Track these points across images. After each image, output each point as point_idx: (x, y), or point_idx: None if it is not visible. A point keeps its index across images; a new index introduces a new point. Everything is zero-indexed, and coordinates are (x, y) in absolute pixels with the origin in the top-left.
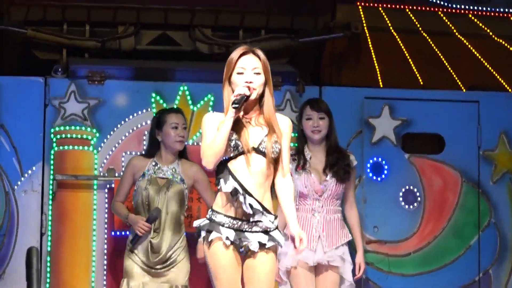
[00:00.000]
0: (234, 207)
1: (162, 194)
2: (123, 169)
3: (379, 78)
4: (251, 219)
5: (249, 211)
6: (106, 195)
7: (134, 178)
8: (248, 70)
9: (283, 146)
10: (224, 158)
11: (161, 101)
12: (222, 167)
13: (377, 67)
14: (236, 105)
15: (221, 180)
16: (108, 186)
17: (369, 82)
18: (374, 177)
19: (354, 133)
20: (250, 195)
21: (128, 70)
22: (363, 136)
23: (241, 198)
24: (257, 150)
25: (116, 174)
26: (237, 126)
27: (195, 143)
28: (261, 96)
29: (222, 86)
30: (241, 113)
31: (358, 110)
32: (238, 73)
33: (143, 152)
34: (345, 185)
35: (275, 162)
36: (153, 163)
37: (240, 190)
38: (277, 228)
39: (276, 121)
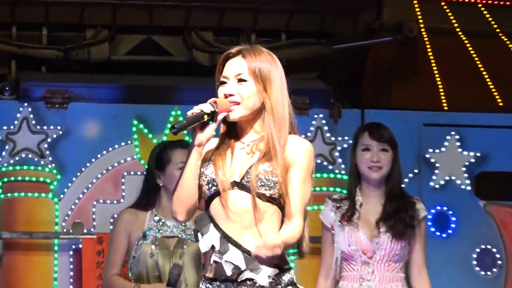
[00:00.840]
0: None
1: (175, 259)
2: (112, 228)
3: (443, 98)
4: (239, 278)
5: (228, 272)
6: (71, 260)
7: (130, 241)
8: (231, 79)
9: (292, 178)
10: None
11: (145, 131)
12: (203, 215)
13: (439, 83)
14: (173, 130)
15: (198, 234)
16: (74, 247)
17: (429, 104)
18: (438, 233)
19: (409, 173)
20: (236, 245)
21: (101, 88)
22: (421, 177)
23: (215, 257)
24: (239, 185)
25: (85, 231)
26: (218, 155)
27: None
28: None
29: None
30: (231, 136)
31: (415, 141)
32: (221, 83)
33: (136, 203)
34: (410, 244)
35: (273, 199)
36: (155, 218)
37: (217, 245)
38: (291, 285)
39: (278, 144)
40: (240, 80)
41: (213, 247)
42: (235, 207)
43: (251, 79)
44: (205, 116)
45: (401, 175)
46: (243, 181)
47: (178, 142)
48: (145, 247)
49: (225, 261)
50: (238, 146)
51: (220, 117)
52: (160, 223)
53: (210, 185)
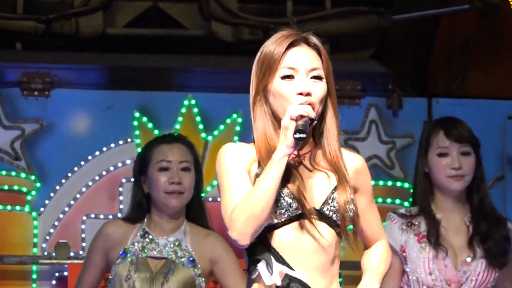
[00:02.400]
0: None
1: (156, 286)
2: (89, 243)
3: None
4: None
5: None
6: None
7: (108, 259)
8: (302, 73)
9: (363, 204)
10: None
11: (149, 125)
12: (257, 243)
13: None
14: (303, 135)
15: (260, 266)
16: (57, 274)
17: None
18: None
19: (491, 179)
20: (305, 285)
21: (93, 70)
22: (505, 184)
23: None
24: (320, 214)
25: (72, 254)
26: (285, 172)
27: (210, 198)
28: (319, 117)
29: (252, 99)
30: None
31: (497, 139)
32: (284, 77)
33: (124, 215)
34: (499, 273)
35: (343, 232)
36: (141, 233)
37: (297, 284)
38: None
39: (344, 162)
40: (315, 77)
41: (288, 283)
42: (311, 242)
43: (324, 77)
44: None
45: (486, 183)
46: (324, 209)
47: (162, 137)
48: (122, 268)
49: None
50: (294, 161)
51: (314, 124)
52: (147, 240)
53: (284, 210)
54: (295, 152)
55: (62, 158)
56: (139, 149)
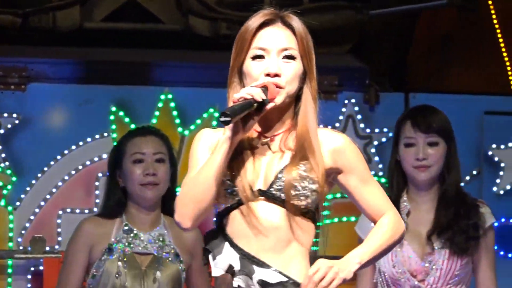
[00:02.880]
0: None
1: (148, 282)
2: (69, 240)
3: (511, 78)
4: None
5: None
6: (29, 285)
7: (91, 256)
8: (272, 53)
9: (353, 182)
10: (216, 210)
11: (126, 120)
12: (214, 230)
13: (507, 59)
14: (226, 119)
15: (210, 255)
16: (33, 269)
17: (493, 86)
18: (502, 252)
19: (467, 174)
20: (264, 265)
21: (70, 65)
22: (481, 179)
23: (239, 281)
24: (267, 195)
25: (48, 248)
26: (240, 155)
27: None
28: (297, 97)
29: (228, 79)
30: (256, 130)
31: (474, 135)
32: (255, 57)
33: (100, 211)
34: (474, 261)
35: (306, 212)
36: (125, 228)
37: (237, 266)
38: None
39: (314, 143)
40: (287, 57)
41: (230, 269)
42: (260, 223)
43: (298, 56)
44: (254, 105)
45: (459, 173)
46: (271, 189)
47: (136, 130)
48: (110, 265)
49: (258, 280)
50: (258, 141)
51: (269, 107)
52: (131, 235)
53: (228, 195)
54: (263, 133)
55: (38, 152)
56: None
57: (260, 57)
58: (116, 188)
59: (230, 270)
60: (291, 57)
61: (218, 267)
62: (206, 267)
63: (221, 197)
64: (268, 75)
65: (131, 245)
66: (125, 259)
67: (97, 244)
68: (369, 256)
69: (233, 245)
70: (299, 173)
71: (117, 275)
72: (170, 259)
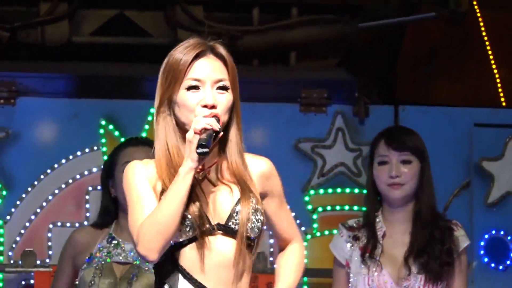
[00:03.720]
0: None
1: None
2: (56, 252)
3: (500, 91)
4: None
5: None
6: None
7: (75, 265)
8: (207, 84)
9: (273, 207)
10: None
11: (115, 133)
12: (165, 262)
13: (496, 71)
14: (205, 149)
15: (165, 286)
16: (23, 283)
17: (482, 99)
18: (493, 264)
19: (457, 186)
20: None
21: (59, 79)
22: (471, 191)
23: None
24: (226, 229)
25: (38, 262)
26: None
27: None
28: (224, 129)
29: (156, 109)
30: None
31: (463, 147)
32: (190, 88)
33: (93, 222)
34: (447, 285)
35: (252, 243)
36: (108, 238)
37: None
38: None
39: (248, 172)
40: (221, 88)
41: None
42: (219, 257)
43: (230, 89)
44: (213, 135)
45: (433, 193)
46: (230, 223)
47: (129, 140)
48: (86, 273)
49: None
50: (198, 176)
51: (219, 136)
52: (113, 245)
53: (188, 228)
54: (200, 166)
55: (28, 167)
56: (106, 157)
57: (195, 87)
58: (108, 198)
59: None
60: (224, 88)
61: None
62: None
63: (177, 231)
64: (205, 106)
65: (111, 255)
66: (101, 268)
67: (81, 253)
68: None
69: (188, 278)
70: (252, 206)
71: (90, 284)
72: (150, 269)
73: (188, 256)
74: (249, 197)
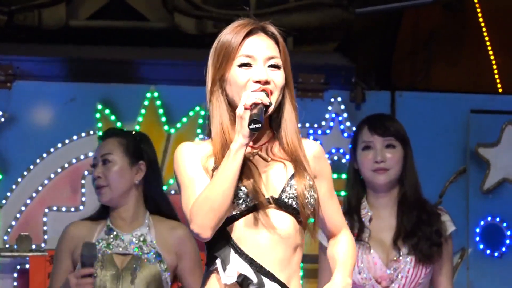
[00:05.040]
0: None
1: (124, 283)
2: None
3: (497, 77)
4: None
5: None
6: (15, 283)
7: (73, 259)
8: (259, 61)
9: (323, 190)
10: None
11: (112, 117)
12: (217, 236)
13: (492, 58)
14: (257, 125)
15: (218, 261)
16: (18, 267)
17: (479, 85)
18: (488, 251)
19: (453, 173)
20: (274, 279)
21: (55, 63)
22: (468, 178)
23: None
24: (279, 203)
25: (34, 247)
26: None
27: (173, 191)
28: (277, 108)
29: (209, 89)
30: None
31: (460, 133)
32: (242, 65)
33: (89, 216)
34: (433, 268)
35: (305, 220)
36: (105, 229)
37: (255, 279)
38: None
39: (303, 151)
40: (273, 66)
41: (240, 278)
42: (273, 232)
43: (282, 66)
44: (264, 110)
45: (417, 178)
46: (283, 197)
47: (104, 133)
48: None
49: None
50: (250, 153)
51: (270, 110)
52: (112, 236)
53: (241, 202)
54: (251, 144)
55: (24, 151)
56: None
57: (247, 64)
58: None
59: (240, 279)
60: (276, 66)
61: (228, 275)
62: (197, 266)
63: (230, 205)
64: (258, 82)
65: (111, 246)
66: (103, 260)
67: (79, 247)
68: (351, 274)
69: (241, 253)
70: (306, 182)
71: (94, 276)
72: (149, 259)
73: (240, 231)
74: (303, 173)
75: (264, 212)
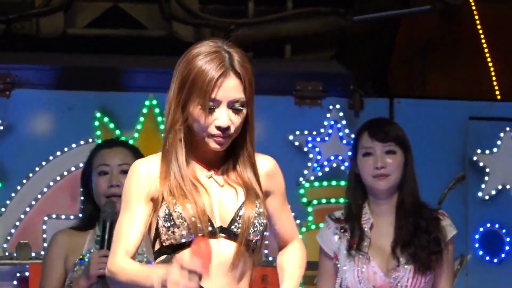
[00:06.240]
0: None
1: None
2: (44, 253)
3: (495, 84)
4: None
5: None
6: None
7: (66, 267)
8: (223, 105)
9: (275, 205)
10: (170, 243)
11: (110, 125)
12: (166, 262)
13: (491, 65)
14: None
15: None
16: (18, 275)
17: (477, 92)
18: (487, 257)
19: (451, 179)
20: None
21: (54, 71)
22: (467, 185)
23: None
24: (228, 233)
25: (33, 254)
26: (191, 188)
27: None
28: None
29: (171, 114)
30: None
31: (458, 140)
32: (204, 108)
33: (74, 225)
34: (434, 274)
35: (254, 246)
36: (96, 239)
37: None
38: None
39: (257, 176)
40: (236, 108)
41: None
42: (219, 260)
43: (245, 107)
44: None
45: (416, 183)
46: (232, 227)
47: (104, 142)
48: (78, 276)
49: None
50: (202, 172)
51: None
52: None
53: (187, 231)
54: (206, 165)
55: (23, 158)
56: None
57: (211, 108)
58: (88, 201)
59: None
60: (240, 107)
61: None
62: None
63: (180, 232)
64: (218, 128)
65: None
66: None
67: (70, 255)
68: (297, 286)
69: None
70: (256, 210)
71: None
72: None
73: (188, 258)
74: (253, 201)
75: (212, 241)
